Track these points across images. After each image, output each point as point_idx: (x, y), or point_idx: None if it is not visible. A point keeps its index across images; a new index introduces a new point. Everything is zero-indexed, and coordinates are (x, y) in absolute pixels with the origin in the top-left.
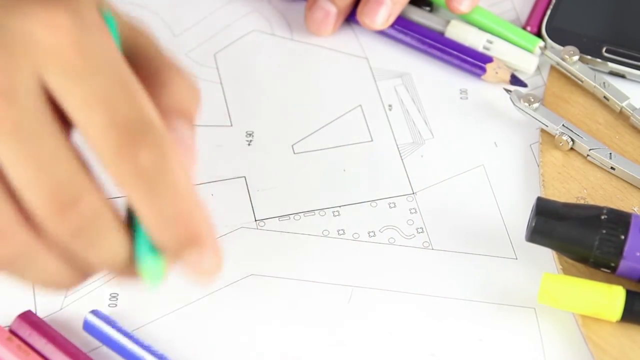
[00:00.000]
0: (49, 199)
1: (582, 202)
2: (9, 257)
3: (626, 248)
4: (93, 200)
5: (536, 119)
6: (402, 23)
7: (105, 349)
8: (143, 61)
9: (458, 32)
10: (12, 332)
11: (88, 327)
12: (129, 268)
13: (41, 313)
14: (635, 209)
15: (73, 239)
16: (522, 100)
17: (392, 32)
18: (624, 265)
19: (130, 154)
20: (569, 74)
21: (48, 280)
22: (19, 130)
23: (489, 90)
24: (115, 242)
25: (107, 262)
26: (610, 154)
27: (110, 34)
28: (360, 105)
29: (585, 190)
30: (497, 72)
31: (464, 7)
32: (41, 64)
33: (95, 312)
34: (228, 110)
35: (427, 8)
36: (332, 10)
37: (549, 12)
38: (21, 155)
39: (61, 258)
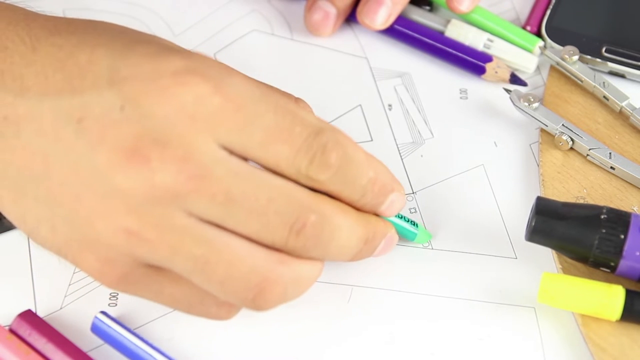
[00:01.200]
0: (280, 233)
1: (581, 201)
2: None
3: (626, 247)
4: (317, 212)
5: (536, 119)
6: (402, 23)
7: (105, 348)
8: None
9: (458, 31)
10: (12, 331)
11: (96, 329)
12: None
13: (41, 312)
14: (634, 209)
15: (313, 249)
16: (521, 100)
17: (392, 31)
18: (623, 264)
19: (323, 164)
20: (568, 74)
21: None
22: (229, 197)
23: (489, 90)
24: (347, 232)
25: (343, 252)
26: (610, 153)
27: (237, 72)
28: (360, 105)
29: (584, 190)
30: (496, 72)
31: (464, 6)
32: (211, 133)
33: (104, 314)
34: None
35: (427, 7)
36: (332, 11)
37: (548, 12)
38: (243, 213)
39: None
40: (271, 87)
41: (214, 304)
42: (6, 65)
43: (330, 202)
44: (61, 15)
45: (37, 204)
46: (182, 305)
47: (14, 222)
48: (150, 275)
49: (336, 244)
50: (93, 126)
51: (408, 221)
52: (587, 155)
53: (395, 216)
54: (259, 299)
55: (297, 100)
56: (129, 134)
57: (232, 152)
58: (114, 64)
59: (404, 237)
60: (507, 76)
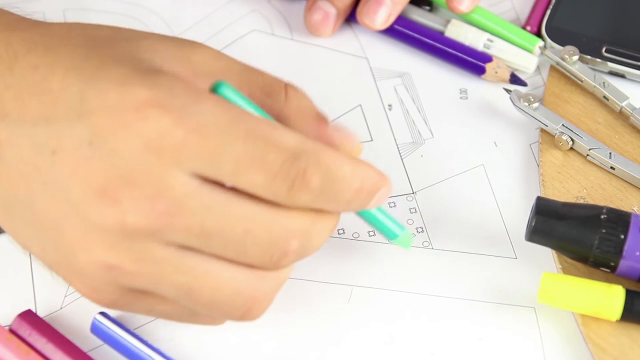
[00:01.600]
0: (259, 260)
1: (581, 201)
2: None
3: (626, 247)
4: (298, 236)
5: (536, 119)
6: (402, 23)
7: (105, 348)
8: (265, 91)
9: (458, 31)
10: (12, 331)
11: (96, 329)
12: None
13: (41, 312)
14: (634, 209)
15: (293, 263)
16: (521, 100)
17: (392, 31)
18: (623, 264)
19: (303, 188)
20: (568, 74)
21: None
22: (204, 231)
23: (489, 90)
24: (328, 234)
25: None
26: (610, 153)
27: (207, 97)
28: (360, 105)
29: (585, 190)
30: (496, 72)
31: (464, 6)
32: (178, 166)
33: (103, 315)
34: None
35: (427, 7)
36: (332, 11)
37: (548, 12)
38: (221, 243)
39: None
40: (256, 74)
41: (206, 314)
42: None
43: (310, 215)
44: (61, 15)
45: (25, 225)
46: (175, 318)
47: (10, 236)
48: (139, 298)
49: (317, 248)
50: (66, 159)
51: (394, 222)
52: (587, 155)
53: (383, 214)
54: (247, 316)
55: (287, 86)
56: (98, 171)
57: (205, 179)
58: (84, 92)
59: (385, 235)
60: (507, 76)
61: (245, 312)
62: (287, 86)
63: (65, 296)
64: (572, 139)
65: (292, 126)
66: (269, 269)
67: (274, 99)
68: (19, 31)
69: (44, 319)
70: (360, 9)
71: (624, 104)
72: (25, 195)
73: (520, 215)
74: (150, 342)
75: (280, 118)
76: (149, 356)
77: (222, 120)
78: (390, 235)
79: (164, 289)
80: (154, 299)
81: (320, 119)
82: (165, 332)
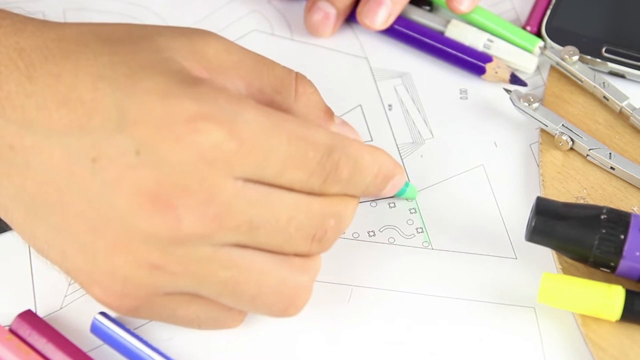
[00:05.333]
0: (302, 244)
1: (581, 202)
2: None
3: (626, 248)
4: (335, 215)
5: (536, 119)
6: (402, 23)
7: (105, 348)
8: (275, 88)
9: (458, 31)
10: (12, 331)
11: (96, 329)
12: None
13: (41, 312)
14: (634, 209)
15: (330, 244)
16: (522, 100)
17: (392, 31)
18: (623, 264)
19: (335, 179)
20: (568, 74)
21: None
22: (252, 226)
23: (489, 90)
24: (352, 217)
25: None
26: (610, 153)
27: (246, 103)
28: (360, 105)
29: (585, 190)
30: (496, 72)
31: (464, 6)
32: (228, 173)
33: (103, 315)
34: None
35: (427, 7)
36: (332, 11)
37: (548, 12)
38: (266, 235)
39: None
40: (267, 68)
41: (227, 317)
42: (3, 94)
43: (341, 198)
44: (61, 15)
45: (49, 229)
46: (195, 325)
47: (24, 239)
48: (163, 303)
49: (346, 228)
50: (109, 167)
51: None
52: (587, 155)
53: None
54: (291, 309)
55: (297, 80)
56: (148, 178)
57: (247, 180)
58: (121, 103)
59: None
60: (507, 76)
61: (289, 304)
62: (297, 79)
63: (65, 296)
64: (572, 139)
65: None
66: (311, 253)
67: (284, 95)
68: (29, 36)
69: (44, 319)
70: (360, 9)
71: (624, 104)
72: (55, 200)
73: (520, 215)
74: (150, 342)
75: (290, 113)
76: (149, 356)
77: (266, 125)
78: (397, 192)
79: (207, 287)
80: (178, 303)
81: (329, 114)
82: (165, 332)
